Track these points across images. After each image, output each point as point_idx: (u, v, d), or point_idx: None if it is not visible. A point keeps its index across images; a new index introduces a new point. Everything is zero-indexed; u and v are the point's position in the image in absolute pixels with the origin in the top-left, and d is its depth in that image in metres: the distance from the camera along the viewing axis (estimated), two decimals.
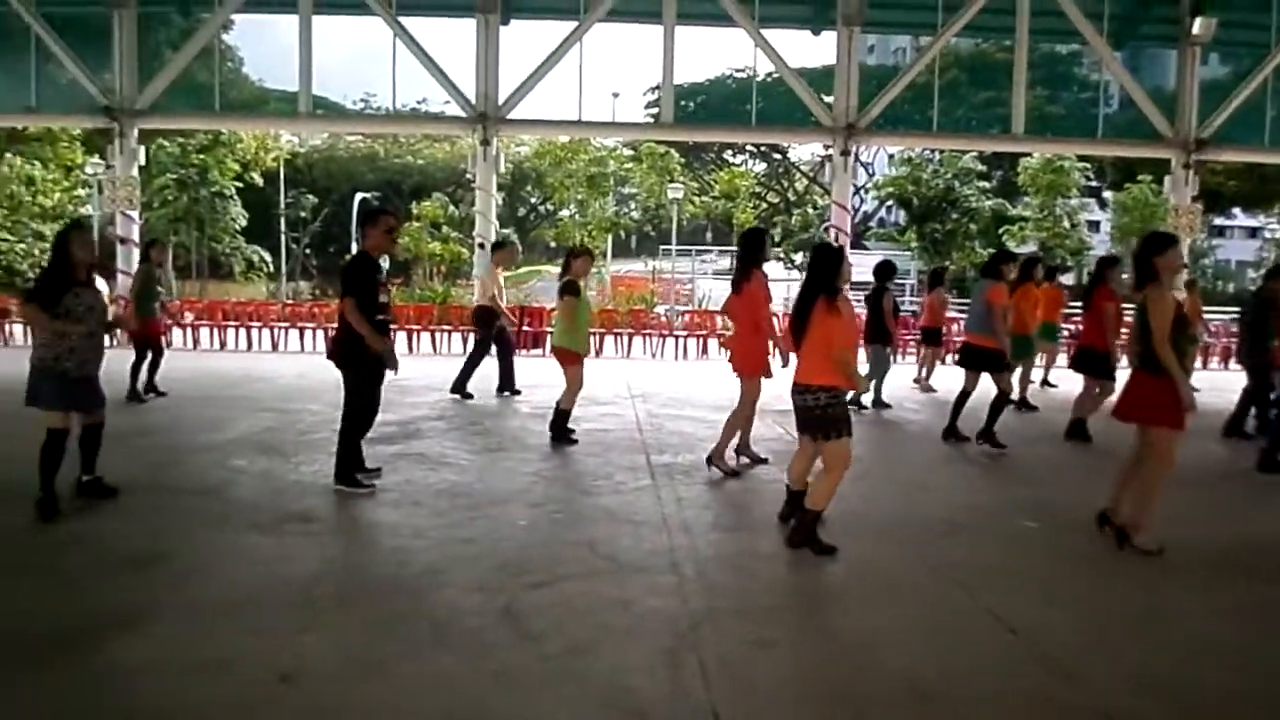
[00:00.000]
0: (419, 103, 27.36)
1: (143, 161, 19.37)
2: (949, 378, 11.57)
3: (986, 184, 35.79)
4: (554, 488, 6.89)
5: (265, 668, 3.73)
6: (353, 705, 3.49)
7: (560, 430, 8.32)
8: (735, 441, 7.49)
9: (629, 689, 3.64)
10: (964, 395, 8.77)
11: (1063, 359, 13.37)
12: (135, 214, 18.34)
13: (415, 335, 16.73)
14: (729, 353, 7.71)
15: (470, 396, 10.76)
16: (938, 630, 4.34)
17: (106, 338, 6.00)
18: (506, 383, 11.23)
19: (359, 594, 4.65)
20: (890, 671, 3.90)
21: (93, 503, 6.03)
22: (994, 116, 21.86)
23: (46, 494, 5.66)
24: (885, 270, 11.20)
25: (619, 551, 5.31)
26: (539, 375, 11.29)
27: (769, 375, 7.26)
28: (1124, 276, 8.48)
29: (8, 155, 30.89)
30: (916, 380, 13.20)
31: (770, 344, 7.25)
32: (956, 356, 10.11)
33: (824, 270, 5.49)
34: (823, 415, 5.39)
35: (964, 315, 12.58)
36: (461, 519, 5.91)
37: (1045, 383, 13.16)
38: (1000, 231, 33.71)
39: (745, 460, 7.62)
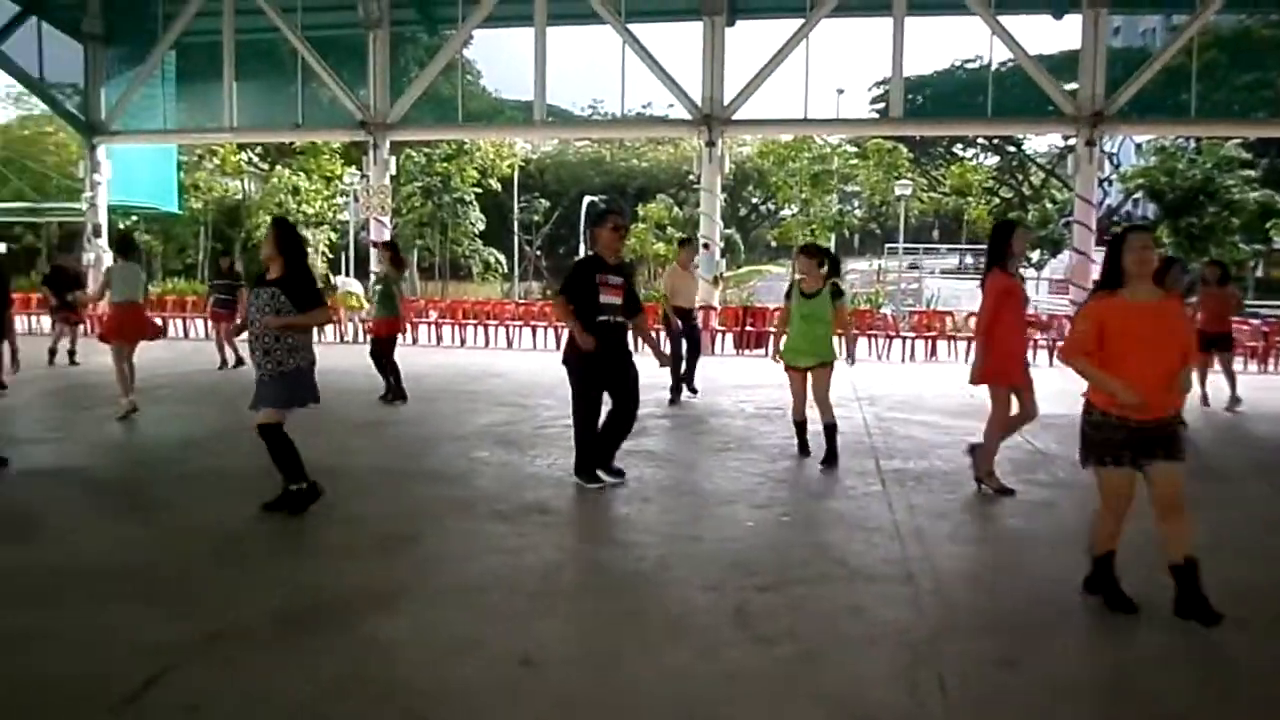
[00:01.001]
0: (644, 107, 27.96)
1: (394, 171, 20.83)
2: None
3: (1251, 173, 32.53)
4: (781, 490, 6.83)
5: (508, 651, 3.89)
6: (590, 694, 3.58)
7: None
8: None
9: (863, 700, 3.54)
10: None
11: None
12: (387, 220, 19.71)
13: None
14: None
15: (695, 391, 10.88)
16: (1200, 663, 3.97)
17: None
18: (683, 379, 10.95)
19: (594, 585, 4.79)
20: (1143, 699, 3.60)
21: (354, 487, 6.51)
22: (1260, 100, 19.87)
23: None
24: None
25: (850, 557, 5.19)
26: (762, 376, 11.24)
27: (1016, 383, 6.47)
28: None
29: (277, 168, 34.05)
30: (1206, 401, 10.77)
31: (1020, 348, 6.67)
32: None
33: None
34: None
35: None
36: (689, 517, 5.97)
37: None
38: (1268, 225, 30.55)
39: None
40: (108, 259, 21.22)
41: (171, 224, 34.52)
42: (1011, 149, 43.06)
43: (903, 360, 16.31)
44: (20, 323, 13.69)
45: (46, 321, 15.41)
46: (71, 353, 13.74)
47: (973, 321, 17.38)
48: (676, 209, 37.91)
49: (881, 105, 28.25)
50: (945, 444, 8.35)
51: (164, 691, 3.53)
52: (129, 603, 4.43)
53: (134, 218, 30.71)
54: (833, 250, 8.50)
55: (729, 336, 17.38)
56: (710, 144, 18.45)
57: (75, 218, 24.92)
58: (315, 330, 6.26)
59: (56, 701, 3.47)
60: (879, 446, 8.30)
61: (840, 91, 33.90)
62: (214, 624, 4.16)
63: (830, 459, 7.35)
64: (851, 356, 7.99)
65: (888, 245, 36.84)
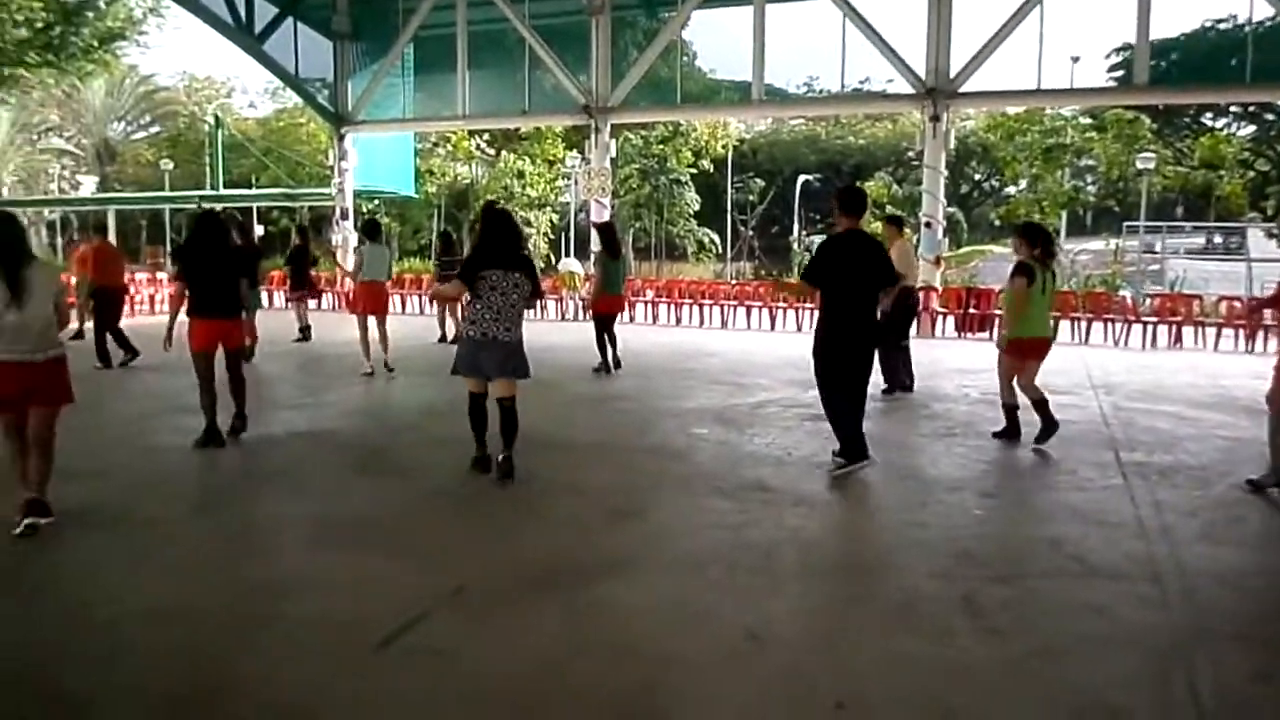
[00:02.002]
0: (861, 82, 27.25)
1: (613, 154, 21.31)
2: None
3: None
4: (1010, 478, 6.58)
5: (734, 625, 3.96)
6: (816, 672, 3.59)
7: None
8: None
9: (1105, 704, 3.36)
10: None
11: None
12: (607, 201, 20.21)
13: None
14: None
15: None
16: None
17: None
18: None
19: (817, 566, 4.78)
20: None
21: (579, 460, 6.78)
22: None
23: (481, 452, 6.34)
24: None
25: (1087, 553, 4.93)
26: (985, 360, 10.77)
27: None
28: None
29: (504, 153, 35.62)
30: None
31: None
32: None
33: None
34: None
35: None
36: (914, 503, 5.84)
37: None
38: None
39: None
40: (353, 239, 22.95)
41: (408, 207, 36.80)
42: (1271, 116, 38.98)
43: (1143, 346, 15.21)
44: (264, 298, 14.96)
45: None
46: (306, 328, 14.58)
47: (1224, 307, 16.10)
48: (896, 186, 36.81)
49: (1121, 73, 26.30)
50: (1192, 437, 7.77)
51: (416, 637, 3.83)
52: (382, 554, 4.83)
53: (375, 201, 32.93)
54: (1044, 229, 8.02)
55: (950, 319, 16.77)
56: (934, 119, 17.75)
57: (325, 202, 27.03)
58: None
59: (325, 639, 3.83)
60: (1118, 438, 7.81)
61: (1075, 59, 31.72)
62: (457, 578, 4.46)
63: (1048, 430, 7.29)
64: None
65: (1126, 224, 34.24)
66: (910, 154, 36.68)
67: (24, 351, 4.88)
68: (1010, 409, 7.56)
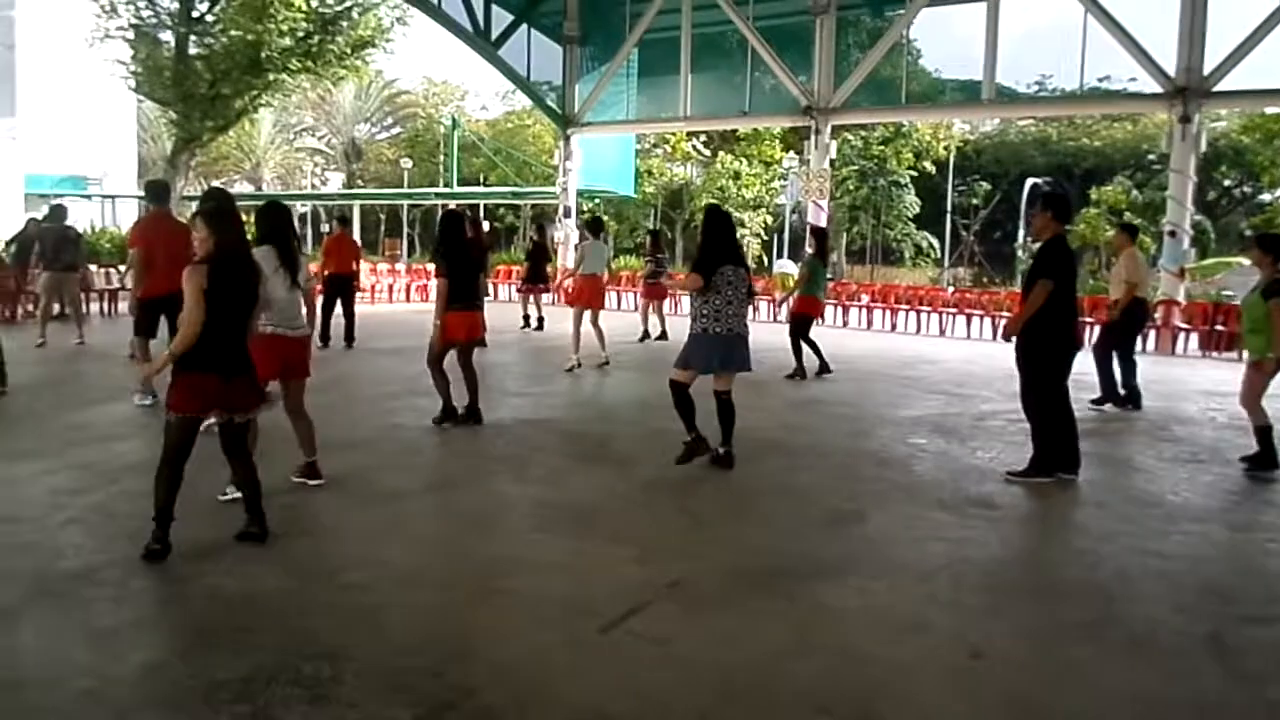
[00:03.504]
0: (1099, 80, 25.61)
1: (833, 155, 21.05)
2: None
3: None
4: (1268, 511, 6.05)
5: (956, 640, 3.87)
6: (1044, 698, 3.45)
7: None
8: None
9: None
10: None
11: None
12: (824, 204, 19.99)
13: (1088, 329, 15.78)
14: None
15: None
16: None
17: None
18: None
19: (1044, 588, 4.59)
20: None
21: (795, 462, 6.78)
22: None
23: (695, 435, 6.45)
24: None
25: None
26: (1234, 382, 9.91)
27: None
28: None
29: (720, 154, 35.86)
30: None
31: None
32: None
33: None
34: None
35: None
36: (1154, 530, 5.48)
37: None
38: None
39: None
40: (574, 236, 23.77)
41: (625, 206, 37.73)
42: None
43: None
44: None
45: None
46: (540, 319, 15.57)
47: None
48: (1135, 192, 34.36)
49: None
50: None
51: (640, 622, 3.96)
52: (601, 541, 5.02)
53: (595, 200, 33.94)
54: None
55: (1194, 336, 15.51)
56: (1184, 120, 16.46)
57: (549, 200, 28.11)
58: None
59: (550, 616, 4.03)
60: None
61: None
62: (675, 571, 4.57)
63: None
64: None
65: None
66: (1152, 157, 34.18)
67: (290, 327, 5.47)
68: (1264, 431, 6.95)
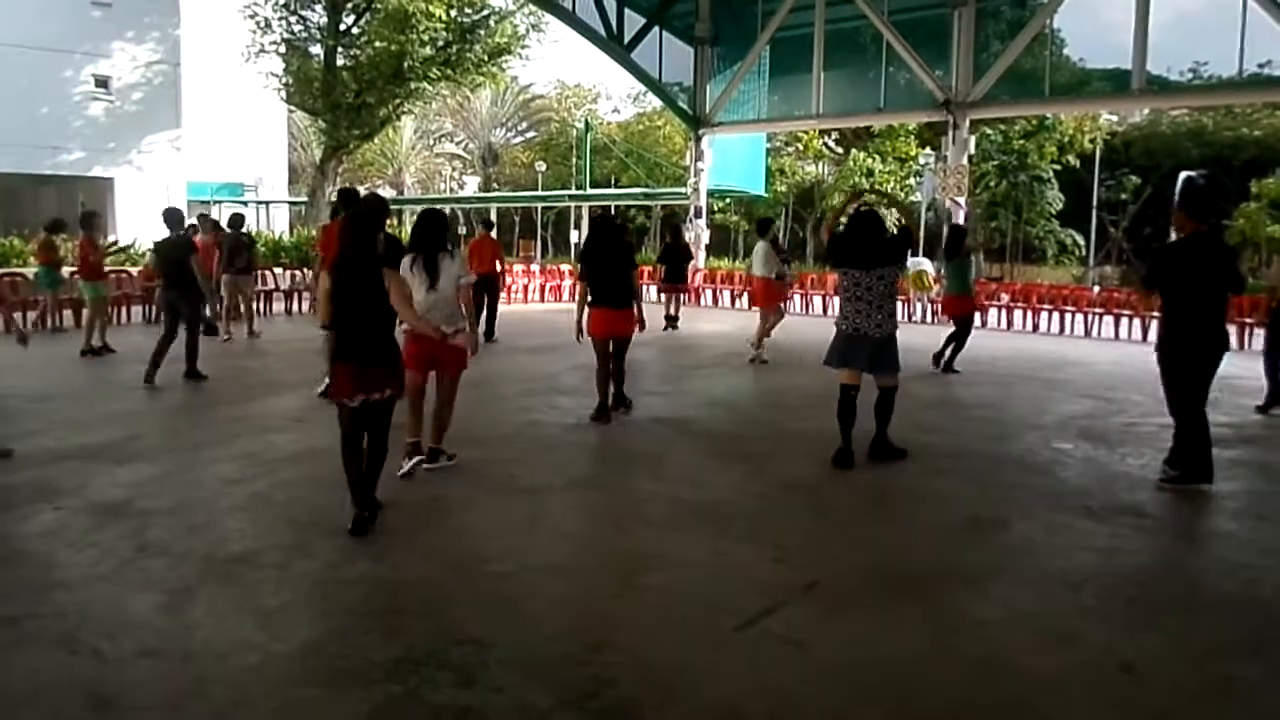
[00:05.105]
0: (1260, 66, 24.04)
1: (971, 150, 20.46)
2: None
3: None
4: None
5: (1107, 653, 3.72)
6: (1199, 718, 3.32)
7: None
8: None
9: None
10: None
11: None
12: (962, 200, 19.45)
13: (1248, 330, 14.86)
14: None
15: None
16: None
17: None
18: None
19: (1200, 602, 4.36)
20: None
21: (934, 466, 6.65)
22: None
23: (843, 445, 6.48)
24: None
25: None
26: None
27: None
28: None
29: (853, 151, 35.29)
30: None
31: None
32: None
33: None
34: None
35: None
36: None
37: None
38: None
39: None
40: (705, 237, 23.83)
41: (756, 205, 37.55)
42: None
43: None
44: None
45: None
46: (673, 318, 15.72)
47: None
48: None
49: None
50: None
51: (774, 623, 3.97)
52: (737, 540, 5.04)
53: (726, 200, 33.91)
54: None
55: None
56: None
57: (680, 201, 28.23)
58: None
59: (687, 612, 4.08)
60: None
61: None
62: (811, 572, 4.56)
63: None
64: None
65: None
66: None
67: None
68: None
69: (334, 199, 8.98)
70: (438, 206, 6.66)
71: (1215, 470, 6.10)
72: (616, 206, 36.13)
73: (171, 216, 9.65)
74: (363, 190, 12.21)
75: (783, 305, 14.44)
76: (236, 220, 13.32)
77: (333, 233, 8.44)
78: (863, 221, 6.54)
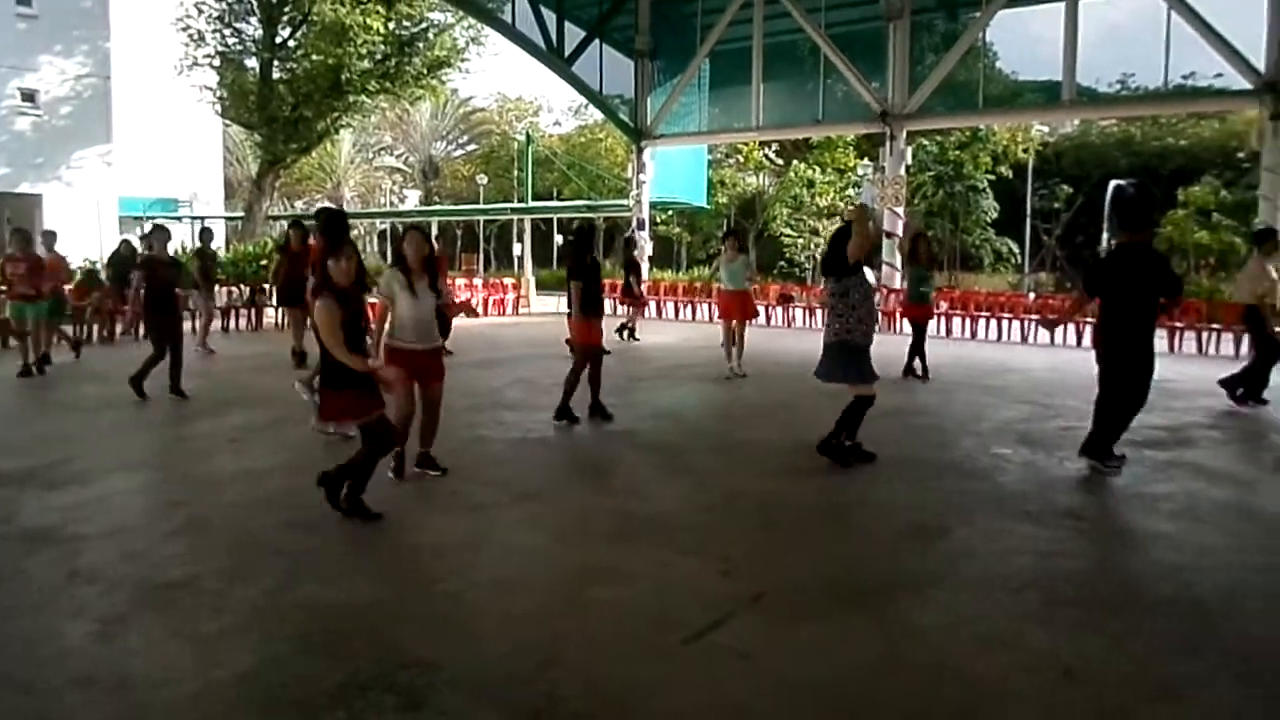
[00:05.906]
0: (1184, 78, 24.82)
1: (909, 161, 20.80)
2: None
3: None
4: None
5: (1048, 657, 3.78)
6: (1142, 717, 3.38)
7: None
8: None
9: None
10: None
11: None
12: (901, 210, 19.75)
13: (1179, 334, 15.30)
14: None
15: (1266, 403, 9.53)
16: None
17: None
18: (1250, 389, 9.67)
19: (1140, 604, 4.45)
20: None
21: (878, 473, 6.72)
22: None
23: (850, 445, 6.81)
24: None
25: None
26: None
27: None
28: None
29: (793, 162, 35.67)
30: None
31: None
32: None
33: None
34: None
35: None
36: (1256, 544, 5.29)
37: None
38: None
39: None
40: (649, 249, 23.86)
41: (698, 217, 37.79)
42: None
43: None
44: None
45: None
46: (631, 329, 15.85)
47: None
48: (1224, 191, 33.17)
49: None
50: None
51: (721, 636, 3.97)
52: (684, 553, 5.03)
53: (669, 212, 34.03)
54: None
55: None
56: (1276, 116, 15.93)
57: (623, 213, 28.28)
58: None
59: (635, 627, 4.07)
60: None
61: None
62: (758, 583, 4.57)
63: None
64: None
65: None
66: (1241, 155, 33.05)
67: (420, 341, 6.12)
68: None
69: (308, 219, 8.95)
70: (420, 223, 6.83)
71: (1149, 472, 6.29)
72: (560, 219, 36.10)
73: (160, 235, 9.83)
74: (299, 206, 12.12)
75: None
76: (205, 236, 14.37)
77: (316, 254, 8.30)
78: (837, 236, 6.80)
